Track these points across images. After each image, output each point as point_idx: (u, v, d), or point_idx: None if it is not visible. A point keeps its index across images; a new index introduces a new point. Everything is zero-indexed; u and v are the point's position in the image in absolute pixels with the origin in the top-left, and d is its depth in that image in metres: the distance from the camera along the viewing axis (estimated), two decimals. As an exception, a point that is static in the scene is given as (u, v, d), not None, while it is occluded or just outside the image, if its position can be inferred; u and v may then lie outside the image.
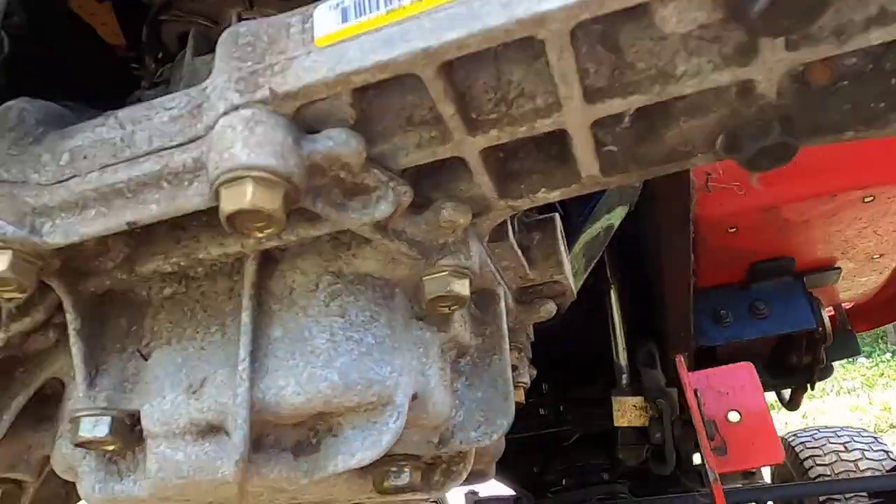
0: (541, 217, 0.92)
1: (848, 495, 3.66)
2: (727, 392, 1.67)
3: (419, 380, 0.69)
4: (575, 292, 0.94)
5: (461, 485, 1.04)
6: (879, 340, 11.70)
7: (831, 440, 4.31)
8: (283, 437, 0.69)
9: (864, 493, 3.28)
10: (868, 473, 4.03)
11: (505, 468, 4.11)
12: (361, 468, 0.75)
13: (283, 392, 0.63)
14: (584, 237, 1.22)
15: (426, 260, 0.67)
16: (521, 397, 1.05)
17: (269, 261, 0.69)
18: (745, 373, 1.69)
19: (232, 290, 0.70)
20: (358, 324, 0.65)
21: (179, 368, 0.67)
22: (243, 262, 0.68)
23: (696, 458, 4.11)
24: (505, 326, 0.80)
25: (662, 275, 1.69)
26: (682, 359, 1.67)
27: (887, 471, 3.52)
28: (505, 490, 4.63)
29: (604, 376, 2.88)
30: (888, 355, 11.22)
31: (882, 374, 10.39)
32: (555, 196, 0.67)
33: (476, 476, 1.01)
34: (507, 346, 0.79)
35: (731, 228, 2.19)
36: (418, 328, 0.72)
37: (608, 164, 0.64)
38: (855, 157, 1.96)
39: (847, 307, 3.12)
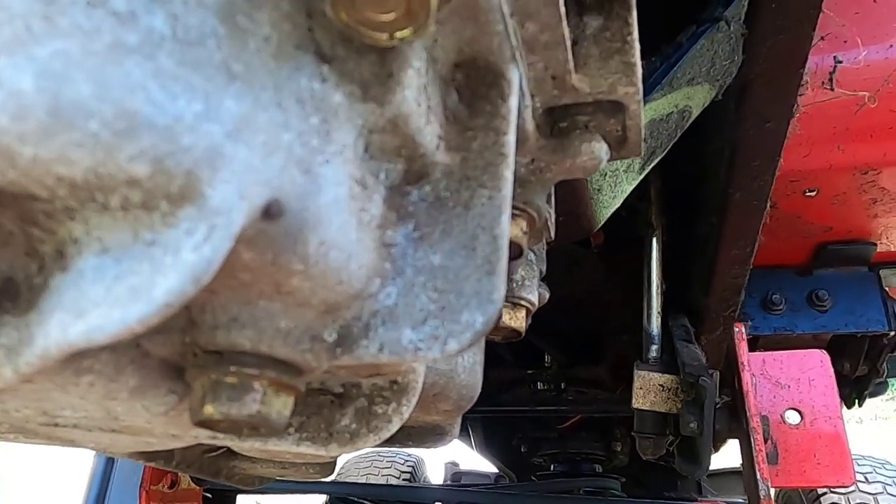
0: (606, -4, 0.50)
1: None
2: (788, 384, 1.27)
3: (294, 178, 0.29)
4: (641, 143, 0.53)
5: (418, 448, 0.64)
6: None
7: (851, 468, 3.91)
8: (-35, 262, 0.29)
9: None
10: (888, 510, 3.64)
11: (489, 443, 3.75)
12: (155, 367, 0.36)
13: None
14: (651, 110, 0.80)
15: None
16: (521, 323, 0.65)
17: None
18: (816, 362, 1.27)
19: None
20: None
21: None
22: None
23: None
24: (512, 140, 0.39)
25: (724, 218, 1.28)
26: (743, 329, 1.26)
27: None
28: (486, 467, 4.30)
29: (616, 359, 2.49)
30: (906, 391, 10.73)
31: (897, 409, 9.93)
32: None
33: (428, 434, 0.61)
34: (510, 177, 0.39)
35: (810, 191, 1.76)
36: (316, 76, 0.32)
37: None
38: None
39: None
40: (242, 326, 0.34)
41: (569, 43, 0.44)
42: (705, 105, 0.93)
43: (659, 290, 1.50)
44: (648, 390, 1.42)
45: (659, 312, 1.49)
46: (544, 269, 0.75)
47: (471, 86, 0.40)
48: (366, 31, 0.30)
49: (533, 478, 3.73)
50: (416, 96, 0.35)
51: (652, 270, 1.50)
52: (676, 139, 0.91)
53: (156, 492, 1.41)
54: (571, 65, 0.45)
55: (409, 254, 0.37)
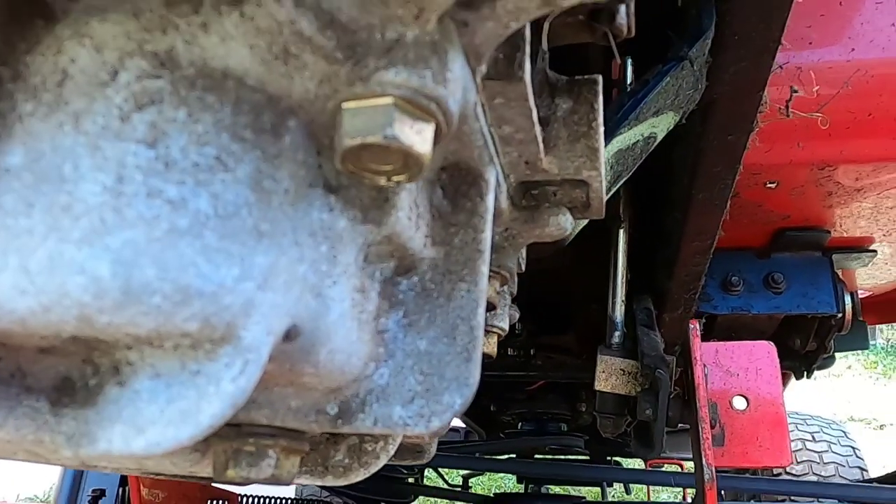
0: (574, 77, 0.56)
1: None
2: (738, 373, 1.38)
3: (308, 304, 0.36)
4: (603, 208, 0.60)
5: (398, 463, 0.72)
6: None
7: (800, 427, 4.16)
8: (31, 368, 0.35)
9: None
10: (832, 467, 3.90)
11: (459, 401, 3.87)
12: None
13: (-7, 282, 0.29)
14: (618, 142, 0.86)
15: (354, 64, 0.33)
16: (493, 348, 0.73)
17: (35, 13, 0.33)
18: (763, 353, 1.38)
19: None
20: (184, 168, 0.31)
21: None
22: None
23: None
24: (488, 236, 0.46)
25: (687, 215, 1.36)
26: (698, 326, 1.35)
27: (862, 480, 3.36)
28: (456, 423, 4.46)
29: (584, 327, 2.60)
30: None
31: (850, 367, 10.39)
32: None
33: (408, 452, 0.70)
34: (486, 271, 0.45)
35: (770, 183, 1.85)
36: (324, 207, 0.38)
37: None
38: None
39: (862, 296, 2.83)
40: (260, 407, 0.41)
41: (540, 139, 0.50)
42: (669, 129, 1.00)
43: (624, 280, 1.59)
44: (610, 374, 1.52)
45: (623, 301, 1.59)
46: (515, 290, 0.82)
47: (454, 184, 0.46)
48: (368, 175, 0.36)
49: (501, 435, 3.90)
50: (408, 213, 0.41)
51: (618, 261, 1.58)
52: (640, 162, 0.98)
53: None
54: (542, 153, 0.52)
55: (399, 338, 0.43)
